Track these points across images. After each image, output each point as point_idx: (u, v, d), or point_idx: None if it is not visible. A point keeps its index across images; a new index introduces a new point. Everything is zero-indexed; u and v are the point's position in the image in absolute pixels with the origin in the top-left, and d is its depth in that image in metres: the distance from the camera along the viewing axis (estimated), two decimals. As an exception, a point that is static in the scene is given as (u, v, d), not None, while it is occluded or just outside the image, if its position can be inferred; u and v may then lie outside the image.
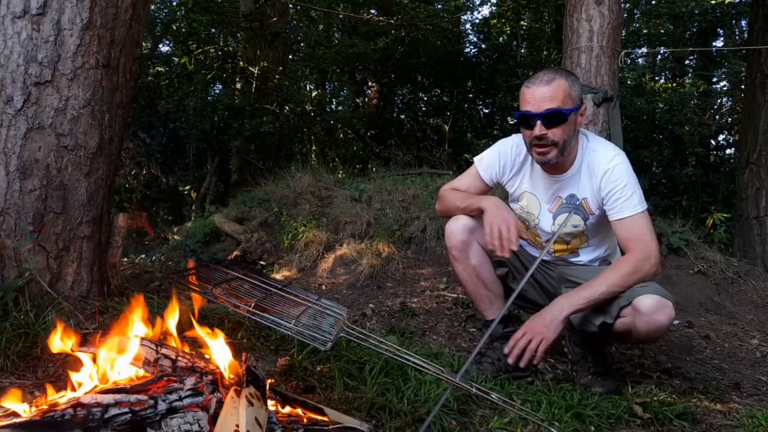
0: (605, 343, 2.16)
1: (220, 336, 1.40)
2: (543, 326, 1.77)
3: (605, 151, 1.95)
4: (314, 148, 9.37)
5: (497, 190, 2.19)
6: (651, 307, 1.75)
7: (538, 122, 1.82)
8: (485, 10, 16.07)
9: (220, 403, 1.20)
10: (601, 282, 1.81)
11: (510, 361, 1.79)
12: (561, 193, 2.01)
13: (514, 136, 2.12)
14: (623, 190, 1.87)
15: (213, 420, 1.16)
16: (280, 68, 7.80)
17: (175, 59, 7.91)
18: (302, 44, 9.56)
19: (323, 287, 3.31)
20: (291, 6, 8.21)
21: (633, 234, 1.85)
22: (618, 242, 1.95)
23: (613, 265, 1.92)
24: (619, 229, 1.90)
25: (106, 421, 1.08)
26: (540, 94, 1.82)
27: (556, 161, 1.90)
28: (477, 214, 2.00)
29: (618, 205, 1.88)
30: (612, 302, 1.83)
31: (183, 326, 1.47)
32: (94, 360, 1.30)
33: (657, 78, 11.12)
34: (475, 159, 2.14)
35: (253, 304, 1.36)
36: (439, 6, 10.15)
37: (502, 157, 2.07)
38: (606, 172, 1.90)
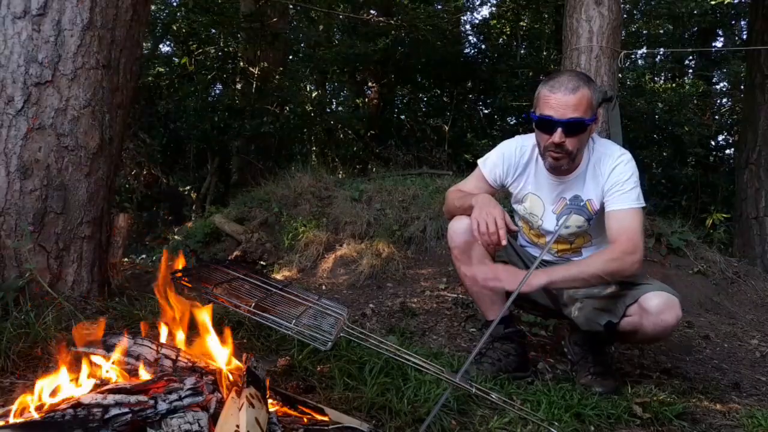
0: (605, 344, 2.16)
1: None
2: (509, 274, 1.78)
3: (611, 152, 1.96)
4: (314, 148, 9.37)
5: (502, 191, 2.20)
6: (659, 307, 1.75)
7: (559, 130, 1.81)
8: (485, 11, 16.11)
9: (221, 403, 1.20)
10: (581, 265, 1.83)
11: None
12: (565, 194, 2.01)
13: (517, 137, 2.12)
14: (624, 183, 1.88)
15: (213, 420, 1.16)
16: (281, 69, 7.80)
17: (176, 60, 7.92)
18: (302, 45, 9.57)
19: (323, 287, 3.32)
20: (291, 7, 8.22)
21: (623, 227, 1.84)
22: (607, 233, 1.92)
23: (597, 252, 1.92)
24: (611, 220, 1.88)
25: (107, 422, 1.08)
26: (565, 101, 1.80)
27: (566, 168, 1.92)
28: (471, 212, 2.01)
29: (615, 197, 1.88)
30: (617, 301, 1.83)
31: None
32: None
33: (656, 78, 11.13)
34: (479, 161, 2.14)
35: (253, 304, 1.37)
36: (439, 7, 10.15)
37: (506, 158, 2.07)
38: (612, 169, 1.91)
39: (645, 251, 1.88)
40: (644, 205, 1.90)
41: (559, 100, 1.81)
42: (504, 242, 1.80)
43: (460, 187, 2.15)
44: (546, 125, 1.85)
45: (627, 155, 1.94)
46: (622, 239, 1.82)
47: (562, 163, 1.90)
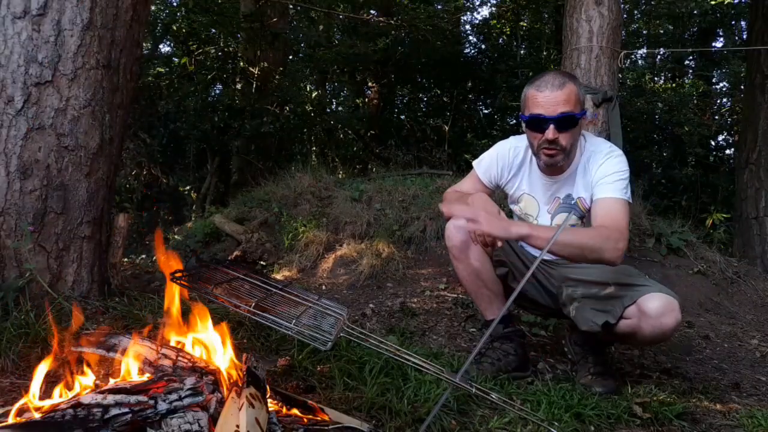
0: (606, 344, 2.16)
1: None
2: (490, 218, 1.69)
3: (601, 149, 1.97)
4: (314, 148, 9.37)
5: (497, 192, 2.20)
6: (658, 310, 1.73)
7: (552, 126, 1.82)
8: (485, 11, 16.12)
9: (221, 403, 1.20)
10: (567, 232, 1.72)
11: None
12: (559, 193, 2.02)
13: (511, 138, 2.12)
14: (612, 176, 1.88)
15: (213, 420, 1.16)
16: (281, 69, 7.80)
17: (176, 60, 7.91)
18: (302, 45, 9.57)
19: (323, 287, 3.32)
20: (291, 7, 8.21)
21: (609, 217, 1.81)
22: (592, 221, 1.90)
23: (587, 228, 1.88)
24: (597, 209, 1.86)
25: (107, 422, 1.08)
26: (554, 98, 1.81)
27: (561, 164, 1.92)
28: None
29: (601, 187, 1.88)
30: (615, 302, 1.82)
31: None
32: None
33: (657, 78, 11.13)
34: (474, 162, 2.15)
35: (253, 304, 1.36)
36: (439, 7, 10.15)
37: (500, 159, 2.08)
38: (601, 165, 1.92)
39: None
40: (630, 200, 1.88)
41: (547, 97, 1.82)
42: (499, 243, 1.79)
43: (457, 188, 2.16)
44: (537, 124, 1.85)
45: (617, 151, 1.95)
46: (609, 224, 1.79)
47: (558, 160, 1.90)
